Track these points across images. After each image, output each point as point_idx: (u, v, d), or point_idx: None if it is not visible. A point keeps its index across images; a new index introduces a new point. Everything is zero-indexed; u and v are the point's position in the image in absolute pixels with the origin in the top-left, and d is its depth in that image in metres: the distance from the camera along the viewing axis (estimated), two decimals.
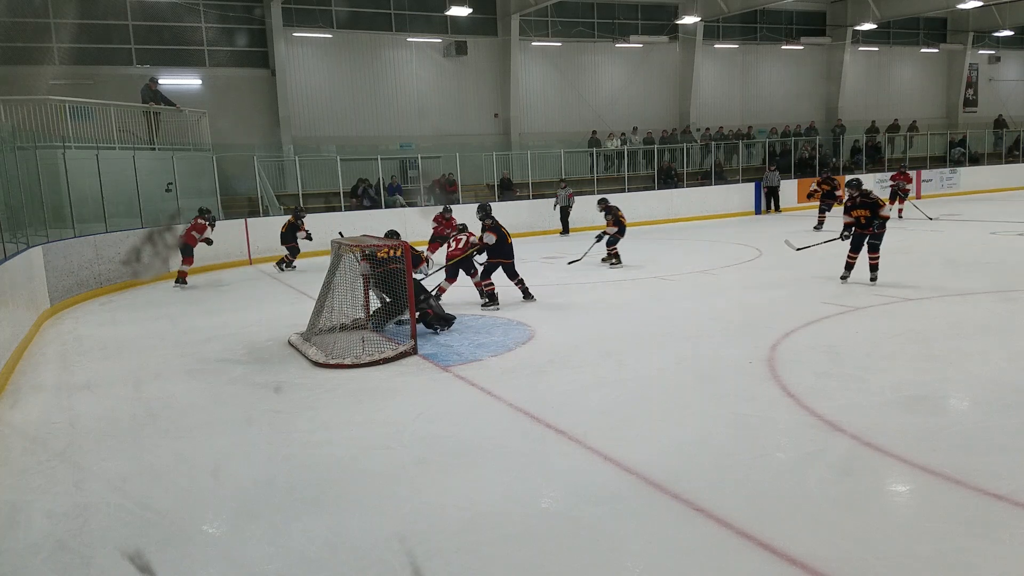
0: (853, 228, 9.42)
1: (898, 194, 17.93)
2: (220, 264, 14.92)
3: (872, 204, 9.18)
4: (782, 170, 23.34)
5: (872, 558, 3.18)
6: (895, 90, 29.68)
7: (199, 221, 12.54)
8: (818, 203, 16.97)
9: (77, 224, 12.02)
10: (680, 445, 4.59)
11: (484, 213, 9.61)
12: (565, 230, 18.41)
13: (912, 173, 18.77)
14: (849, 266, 9.60)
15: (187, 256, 12.42)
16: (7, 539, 3.78)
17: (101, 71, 17.59)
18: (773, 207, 21.67)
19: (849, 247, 9.54)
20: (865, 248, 9.40)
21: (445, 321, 8.03)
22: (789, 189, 22.45)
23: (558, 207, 18.49)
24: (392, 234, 9.13)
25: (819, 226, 16.24)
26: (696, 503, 3.73)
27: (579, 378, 6.12)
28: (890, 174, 20.57)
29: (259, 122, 19.68)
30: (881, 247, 9.41)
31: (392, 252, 7.69)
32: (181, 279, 12.37)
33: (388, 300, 7.99)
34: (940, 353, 6.33)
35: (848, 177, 10.87)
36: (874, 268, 9.46)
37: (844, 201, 9.62)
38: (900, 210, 17.73)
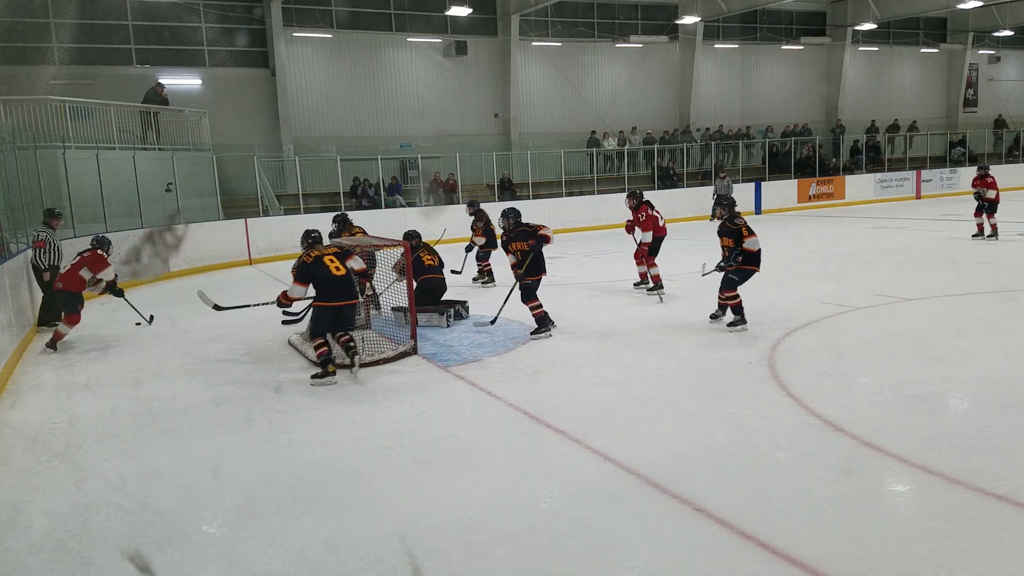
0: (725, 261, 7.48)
1: (983, 205, 13.23)
2: (220, 264, 14.93)
3: (736, 232, 7.35)
4: (781, 170, 23.38)
5: (872, 558, 3.18)
6: (895, 90, 29.68)
7: (98, 252, 8.32)
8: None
9: (77, 224, 12.02)
10: (680, 445, 4.59)
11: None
12: None
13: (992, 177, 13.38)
14: (721, 306, 7.68)
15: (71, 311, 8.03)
16: (7, 539, 3.78)
17: (101, 71, 17.61)
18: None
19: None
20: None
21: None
22: (788, 189, 22.48)
23: None
24: (412, 234, 9.14)
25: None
26: (696, 503, 3.73)
27: (579, 378, 6.12)
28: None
29: (259, 122, 19.70)
30: (743, 282, 7.42)
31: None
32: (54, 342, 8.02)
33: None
34: (940, 353, 6.33)
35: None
36: (725, 308, 7.61)
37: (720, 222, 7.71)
38: (993, 225, 13.25)
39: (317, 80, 20.55)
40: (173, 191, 14.55)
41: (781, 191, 22.36)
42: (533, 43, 22.98)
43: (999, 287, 8.97)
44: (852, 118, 27.58)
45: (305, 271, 6.49)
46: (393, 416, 5.37)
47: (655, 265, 9.66)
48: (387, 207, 18.14)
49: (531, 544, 3.47)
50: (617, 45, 24.28)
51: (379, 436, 5.00)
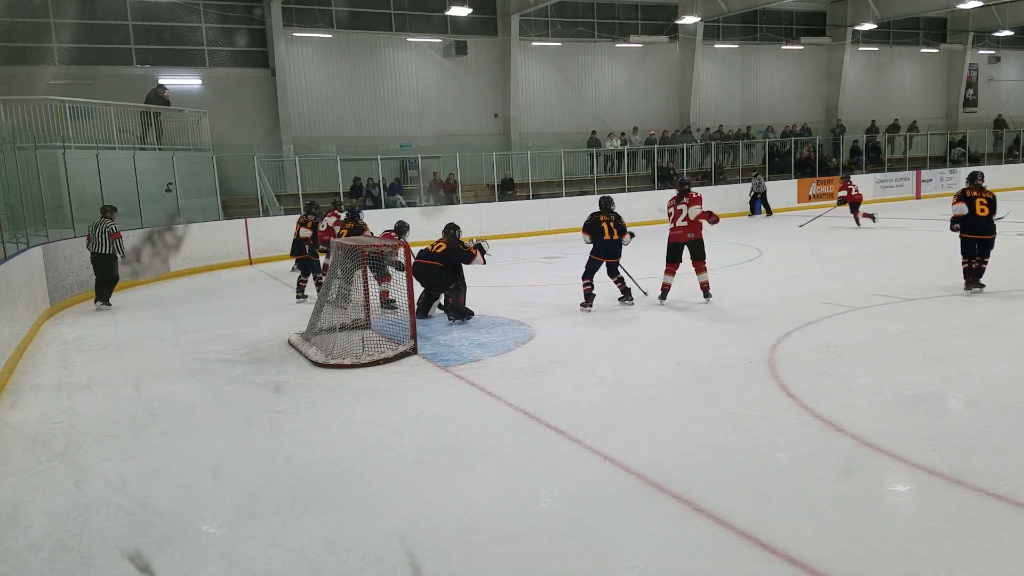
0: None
1: (853, 205, 16.78)
2: (220, 264, 14.93)
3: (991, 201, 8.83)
4: (781, 170, 23.40)
5: (872, 558, 3.18)
6: (895, 90, 29.68)
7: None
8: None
9: (77, 224, 12.01)
10: (680, 445, 4.59)
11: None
12: None
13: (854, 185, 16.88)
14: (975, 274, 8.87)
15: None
16: (7, 539, 3.78)
17: (101, 71, 17.61)
18: (765, 211, 21.34)
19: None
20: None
21: (461, 314, 8.37)
22: (788, 189, 22.49)
23: None
24: (451, 227, 8.78)
25: None
26: (696, 503, 3.73)
27: (579, 378, 6.12)
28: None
29: (259, 122, 19.70)
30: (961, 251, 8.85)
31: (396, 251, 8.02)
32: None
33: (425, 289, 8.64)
34: (940, 353, 6.33)
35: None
36: (980, 273, 8.90)
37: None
38: (855, 215, 16.88)
39: (317, 80, 20.55)
40: (173, 191, 14.54)
41: (781, 191, 22.36)
42: (533, 43, 22.97)
43: (999, 287, 8.97)
44: (852, 118, 27.57)
45: None
46: (393, 416, 5.37)
47: (668, 271, 8.98)
48: (387, 207, 18.14)
49: (531, 544, 3.47)
50: (617, 45, 24.28)
51: (379, 436, 5.00)
